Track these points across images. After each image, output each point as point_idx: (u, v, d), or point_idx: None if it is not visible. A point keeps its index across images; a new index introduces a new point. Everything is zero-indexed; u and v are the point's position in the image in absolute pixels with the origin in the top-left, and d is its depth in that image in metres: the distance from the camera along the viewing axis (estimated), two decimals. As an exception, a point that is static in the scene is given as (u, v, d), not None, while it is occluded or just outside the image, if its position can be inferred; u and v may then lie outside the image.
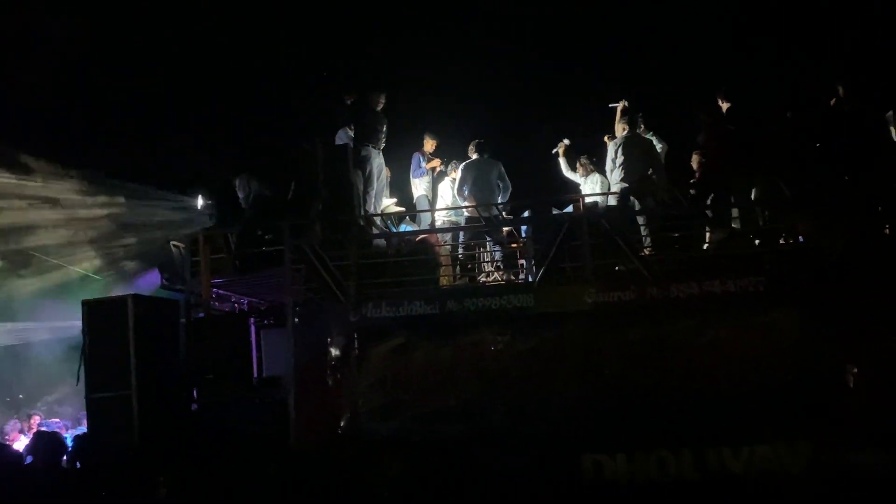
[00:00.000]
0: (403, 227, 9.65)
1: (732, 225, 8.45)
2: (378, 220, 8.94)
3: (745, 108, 8.44)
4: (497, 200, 8.87)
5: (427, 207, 9.78)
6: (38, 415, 10.52)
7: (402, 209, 9.91)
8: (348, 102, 9.09)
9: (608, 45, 12.07)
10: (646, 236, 8.29)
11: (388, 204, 9.58)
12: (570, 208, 8.99)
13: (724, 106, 8.62)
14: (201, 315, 8.03)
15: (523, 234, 9.03)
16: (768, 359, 7.09)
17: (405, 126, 9.95)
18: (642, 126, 9.31)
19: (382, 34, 12.19)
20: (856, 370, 6.94)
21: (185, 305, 7.99)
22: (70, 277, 11.61)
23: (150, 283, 9.72)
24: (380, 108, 9.05)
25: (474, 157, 9.07)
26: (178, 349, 7.93)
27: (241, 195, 8.21)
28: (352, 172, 8.68)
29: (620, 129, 8.93)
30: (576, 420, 7.08)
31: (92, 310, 7.75)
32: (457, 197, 9.26)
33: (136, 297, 7.86)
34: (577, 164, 9.77)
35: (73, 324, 8.45)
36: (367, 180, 8.84)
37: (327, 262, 7.69)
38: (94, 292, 10.29)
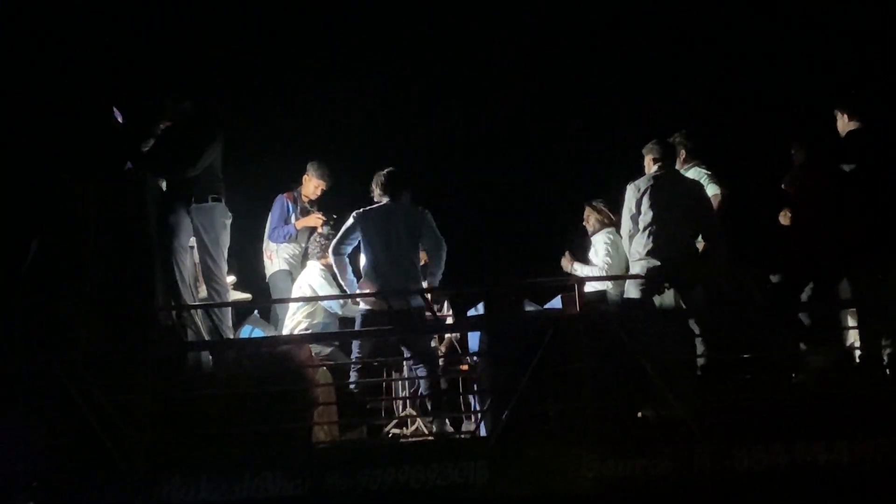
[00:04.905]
0: (248, 331, 9.45)
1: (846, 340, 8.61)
2: (199, 315, 8.58)
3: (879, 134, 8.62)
4: (419, 282, 8.70)
5: (291, 293, 9.72)
6: None
7: (248, 296, 9.78)
8: (118, 119, 9.02)
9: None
10: (692, 356, 8.26)
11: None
12: (556, 301, 8.67)
13: (844, 126, 8.77)
14: None
15: (471, 347, 8.93)
16: None
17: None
18: (684, 154, 9.36)
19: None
20: None
21: None
22: None
23: None
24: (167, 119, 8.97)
25: (383, 200, 8.76)
26: None
27: None
28: (151, 224, 8.55)
29: (649, 163, 8.88)
30: None
31: None
32: (333, 263, 8.95)
33: None
34: (587, 211, 9.74)
35: None
36: (174, 246, 8.71)
37: (98, 396, 7.42)
38: None
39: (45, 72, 9.67)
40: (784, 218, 8.89)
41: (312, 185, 10.17)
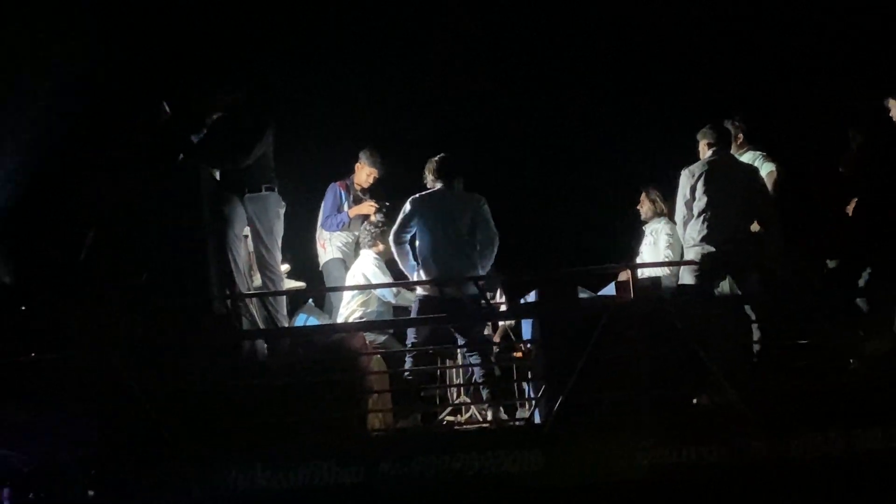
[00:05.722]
0: (303, 319, 9.44)
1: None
2: (254, 304, 8.65)
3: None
4: (476, 268, 8.61)
5: (344, 281, 9.72)
6: None
7: (302, 284, 9.85)
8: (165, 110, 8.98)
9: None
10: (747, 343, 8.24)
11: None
12: (610, 288, 8.71)
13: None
14: None
15: (524, 335, 8.88)
16: None
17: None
18: (741, 138, 9.31)
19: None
20: None
21: None
22: None
23: None
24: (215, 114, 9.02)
25: (437, 186, 8.83)
26: None
27: None
28: (205, 214, 8.54)
29: (704, 148, 8.80)
30: None
31: None
32: (394, 252, 8.91)
33: None
34: (642, 197, 9.83)
35: None
36: (229, 235, 8.75)
37: (154, 386, 7.47)
38: None
39: (96, 66, 9.82)
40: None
41: (365, 174, 10.09)
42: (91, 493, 7.36)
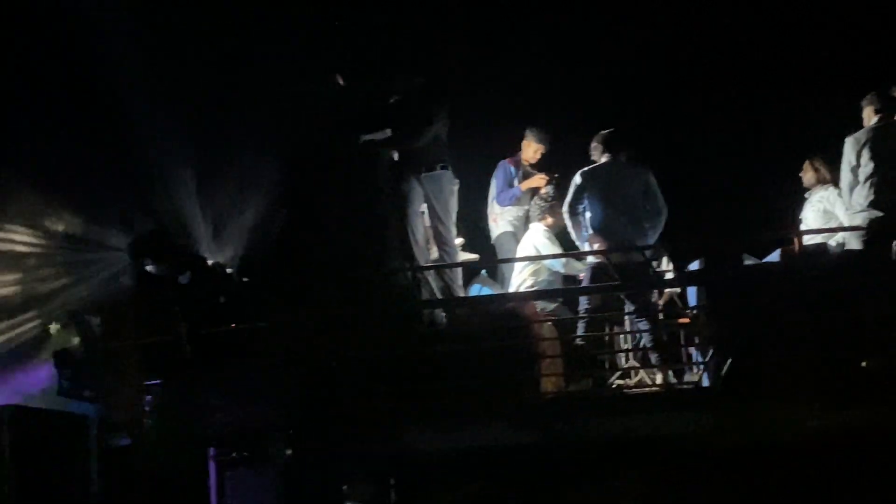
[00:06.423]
0: (477, 289, 9.58)
1: None
2: (432, 275, 8.74)
3: None
4: (645, 237, 8.76)
5: (515, 253, 9.77)
6: None
7: (476, 256, 9.94)
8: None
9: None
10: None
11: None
12: (776, 255, 8.51)
13: None
14: (126, 441, 8.04)
15: (692, 302, 8.85)
16: None
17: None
18: None
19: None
20: None
21: (99, 426, 7.99)
22: None
23: (38, 383, 9.51)
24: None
25: (603, 159, 8.92)
26: (88, 497, 8.02)
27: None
28: (385, 192, 8.79)
29: (869, 115, 8.55)
30: None
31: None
32: (568, 223, 9.02)
33: (16, 409, 7.82)
34: (806, 165, 9.69)
35: None
36: (408, 212, 8.95)
37: (343, 352, 7.73)
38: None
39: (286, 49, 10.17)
40: None
41: (532, 150, 10.23)
42: (288, 451, 7.66)
